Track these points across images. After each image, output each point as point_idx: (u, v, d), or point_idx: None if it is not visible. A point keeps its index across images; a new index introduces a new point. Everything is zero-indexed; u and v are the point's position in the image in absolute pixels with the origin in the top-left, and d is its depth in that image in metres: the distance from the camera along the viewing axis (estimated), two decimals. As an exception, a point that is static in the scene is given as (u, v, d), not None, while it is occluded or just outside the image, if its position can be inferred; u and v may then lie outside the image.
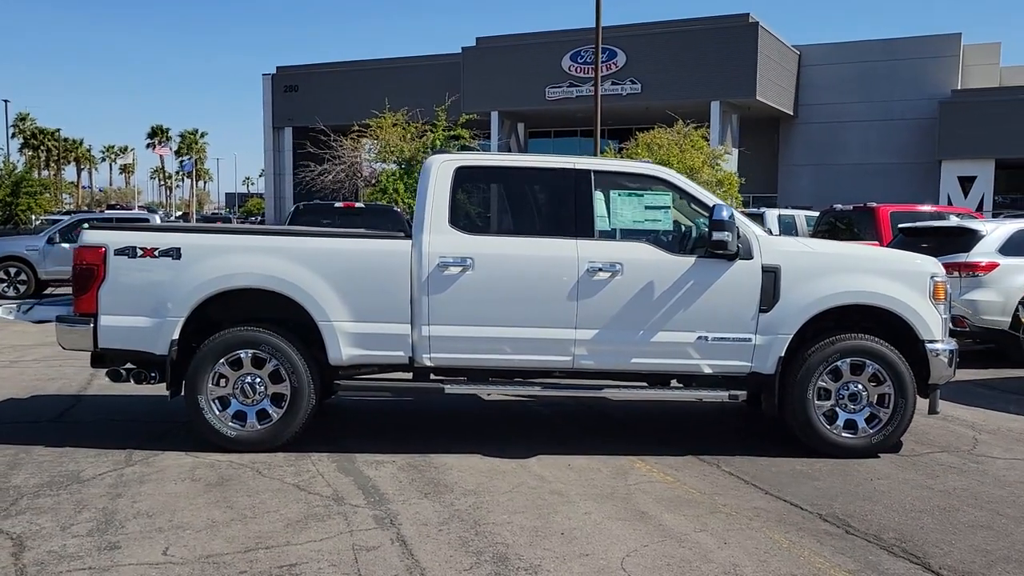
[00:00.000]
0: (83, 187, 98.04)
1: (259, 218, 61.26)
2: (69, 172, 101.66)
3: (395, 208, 13.36)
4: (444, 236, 6.08)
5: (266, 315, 6.21)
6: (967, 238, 10.49)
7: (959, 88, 35.72)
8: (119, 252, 6.01)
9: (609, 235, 6.27)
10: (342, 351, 6.06)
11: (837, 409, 6.18)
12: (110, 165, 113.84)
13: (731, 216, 5.93)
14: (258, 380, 6.08)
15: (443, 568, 4.10)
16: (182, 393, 6.16)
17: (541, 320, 6.09)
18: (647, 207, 6.32)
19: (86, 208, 60.95)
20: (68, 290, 7.74)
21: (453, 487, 5.37)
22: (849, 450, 6.14)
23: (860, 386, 6.16)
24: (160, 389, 6.39)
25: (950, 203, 32.29)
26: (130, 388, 8.13)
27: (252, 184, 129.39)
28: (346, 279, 6.04)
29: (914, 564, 4.24)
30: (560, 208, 6.22)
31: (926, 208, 14.79)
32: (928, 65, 36.01)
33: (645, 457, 6.11)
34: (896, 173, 34.99)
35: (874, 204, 13.76)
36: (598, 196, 6.26)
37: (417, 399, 7.83)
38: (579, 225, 6.16)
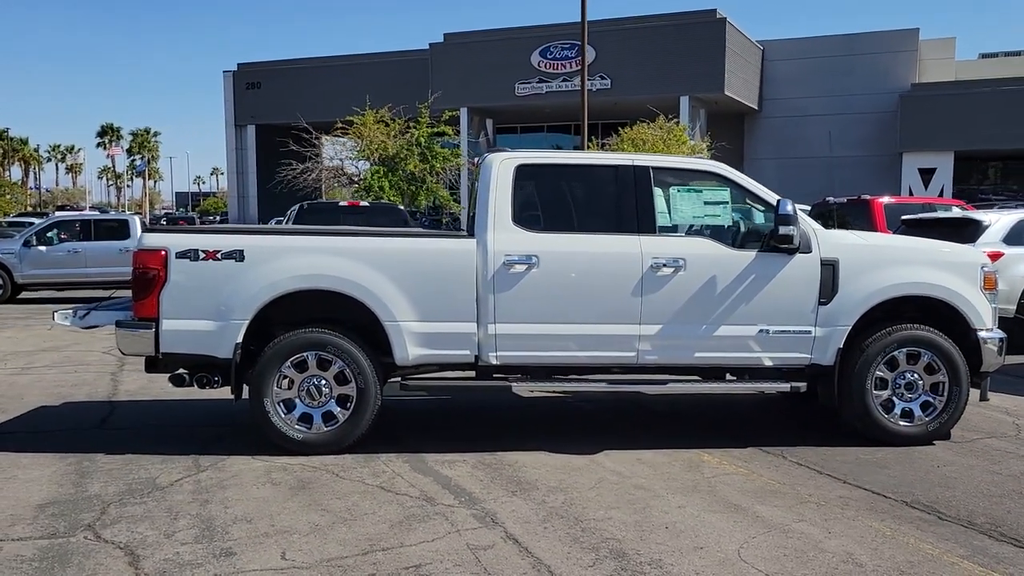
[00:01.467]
0: (30, 188, 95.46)
1: (218, 218, 60.36)
2: (14, 172, 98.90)
3: (399, 207, 13.28)
4: (508, 234, 6.09)
5: (325, 316, 6.16)
6: (971, 229, 10.76)
7: (918, 82, 36.58)
8: (180, 255, 5.90)
9: (669, 231, 6.32)
10: (408, 351, 6.03)
11: (894, 398, 6.32)
12: (56, 165, 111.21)
13: (795, 211, 6.04)
14: (323, 382, 6.02)
15: (567, 565, 4.12)
16: (243, 397, 6.08)
17: (606, 316, 6.13)
18: (706, 202, 6.39)
19: (54, 209, 59.26)
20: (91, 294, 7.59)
21: (537, 484, 5.38)
22: (906, 438, 6.29)
23: (916, 375, 6.31)
24: (192, 393, 6.42)
25: (911, 194, 33.12)
26: (162, 393, 8.06)
27: (204, 183, 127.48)
28: (412, 279, 6.02)
29: (1018, 548, 4.37)
30: (621, 204, 6.25)
31: (917, 200, 15.12)
32: (887, 60, 36.85)
33: (710, 450, 6.19)
34: (859, 166, 35.67)
35: (868, 196, 14.04)
36: (657, 192, 6.32)
37: (455, 397, 7.83)
38: (641, 221, 6.21)
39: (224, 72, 44.35)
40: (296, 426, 6.00)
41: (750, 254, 6.20)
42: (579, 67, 34.82)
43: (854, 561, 4.16)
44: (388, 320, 5.99)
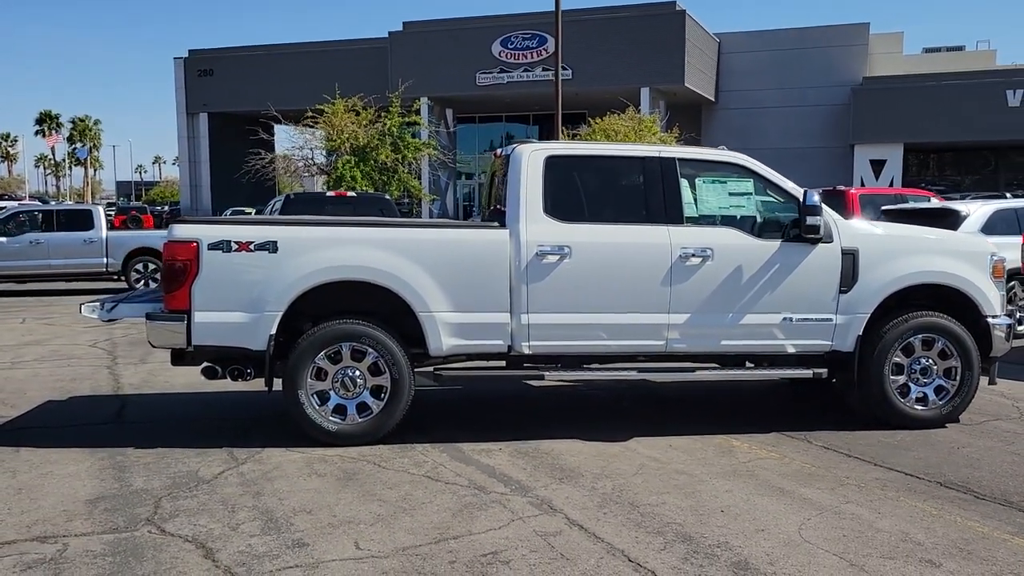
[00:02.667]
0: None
1: (167, 208, 59.01)
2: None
3: (387, 197, 13.22)
4: (541, 225, 6.14)
5: (356, 308, 6.14)
6: (951, 219, 11.10)
7: (869, 76, 37.43)
8: (213, 247, 5.84)
9: (696, 221, 6.44)
10: (443, 342, 6.06)
11: (909, 383, 6.54)
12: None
13: (821, 202, 6.20)
14: (357, 373, 6.02)
15: (639, 548, 4.21)
16: (274, 389, 6.05)
17: (636, 306, 6.23)
18: (731, 193, 6.53)
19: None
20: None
21: (581, 471, 5.46)
22: (921, 422, 6.51)
23: (930, 361, 6.54)
24: (200, 386, 6.42)
25: (863, 184, 33.96)
26: (167, 387, 7.99)
27: (145, 172, 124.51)
28: (445, 269, 6.04)
29: (1059, 523, 4.59)
30: (650, 195, 6.34)
31: (890, 191, 15.55)
32: (839, 53, 37.59)
33: (736, 435, 6.34)
34: (813, 157, 36.38)
35: (843, 187, 14.40)
36: (684, 183, 6.43)
37: (477, 386, 7.85)
38: (669, 212, 6.31)
39: (175, 59, 43.39)
40: (331, 417, 5.99)
41: (774, 244, 6.35)
42: (540, 57, 35.02)
43: (912, 540, 4.32)
44: (423, 311, 6.01)
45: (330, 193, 13.66)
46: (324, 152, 21.22)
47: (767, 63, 37.99)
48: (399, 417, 6.06)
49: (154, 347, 6.10)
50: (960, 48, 53.99)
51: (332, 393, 6.02)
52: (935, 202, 12.55)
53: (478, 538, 4.34)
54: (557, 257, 6.10)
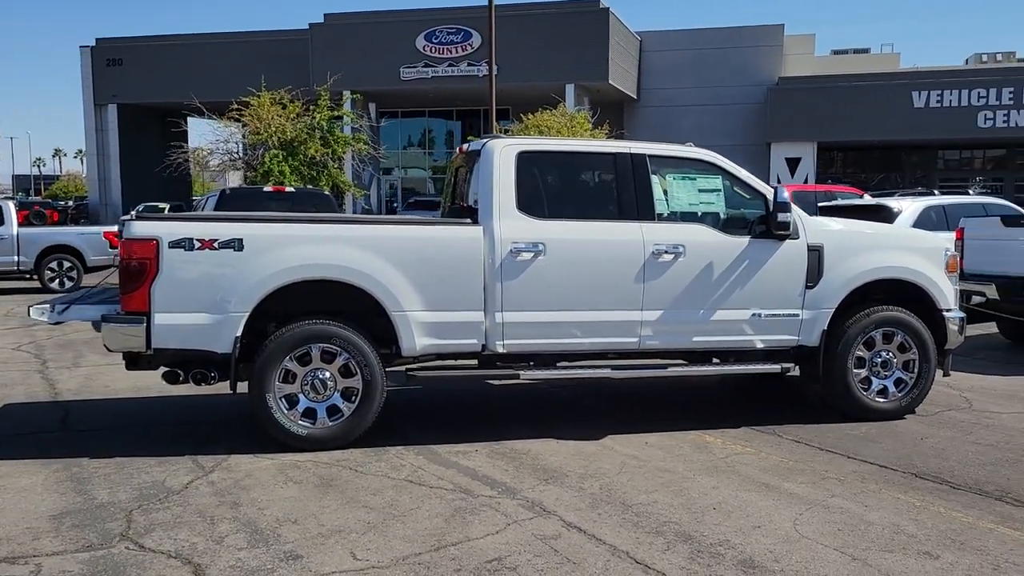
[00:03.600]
0: None
1: (71, 203, 56.57)
2: None
3: (325, 192, 12.85)
4: (514, 221, 6.04)
5: (323, 307, 5.93)
6: (884, 215, 11.46)
7: (784, 76, 38.48)
8: (174, 245, 5.55)
9: (667, 218, 6.43)
10: (416, 342, 5.91)
11: (871, 376, 6.68)
12: None
13: (789, 199, 6.28)
14: (328, 375, 5.81)
15: (643, 550, 4.16)
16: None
17: (610, 303, 6.19)
18: (700, 190, 6.55)
19: None
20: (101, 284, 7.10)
21: (564, 472, 5.39)
22: (882, 413, 6.67)
23: (890, 354, 6.70)
24: (144, 391, 6.18)
25: (779, 182, 34.91)
26: (108, 392, 7.63)
27: (44, 165, 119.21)
28: (418, 267, 5.88)
29: (1036, 511, 4.74)
30: (621, 192, 6.31)
31: (820, 188, 15.96)
32: (756, 54, 38.54)
33: (707, 431, 6.36)
34: (731, 155, 36.24)
35: (775, 185, 14.69)
36: (654, 179, 6.42)
37: (430, 386, 7.67)
38: (641, 208, 6.29)
39: (81, 47, 41.54)
40: (300, 421, 5.78)
41: (743, 240, 6.40)
42: (465, 52, 34.83)
43: (905, 532, 4.39)
44: (396, 310, 5.84)
45: (268, 188, 13.25)
46: (244, 146, 20.54)
47: (687, 62, 38.69)
48: (371, 420, 5.88)
49: (110, 351, 5.76)
50: (866, 51, 56.17)
51: (301, 396, 5.80)
52: (867, 199, 12.94)
53: (478, 544, 4.22)
54: (531, 254, 6.01)
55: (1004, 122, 35.78)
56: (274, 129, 19.45)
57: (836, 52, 54.40)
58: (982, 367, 8.95)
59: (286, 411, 5.75)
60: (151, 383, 7.96)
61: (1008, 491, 5.05)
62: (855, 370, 6.62)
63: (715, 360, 6.79)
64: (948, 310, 6.82)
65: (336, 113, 20.20)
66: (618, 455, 5.76)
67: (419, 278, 5.88)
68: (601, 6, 33.83)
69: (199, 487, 5.06)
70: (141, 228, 5.57)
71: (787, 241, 6.42)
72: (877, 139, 37.24)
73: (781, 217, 6.21)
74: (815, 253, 6.48)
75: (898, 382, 6.74)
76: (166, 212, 39.18)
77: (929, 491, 5.05)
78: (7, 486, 5.05)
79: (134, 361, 5.91)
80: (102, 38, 41.92)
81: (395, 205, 41.08)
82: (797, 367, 6.70)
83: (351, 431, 5.84)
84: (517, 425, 6.50)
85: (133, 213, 6.25)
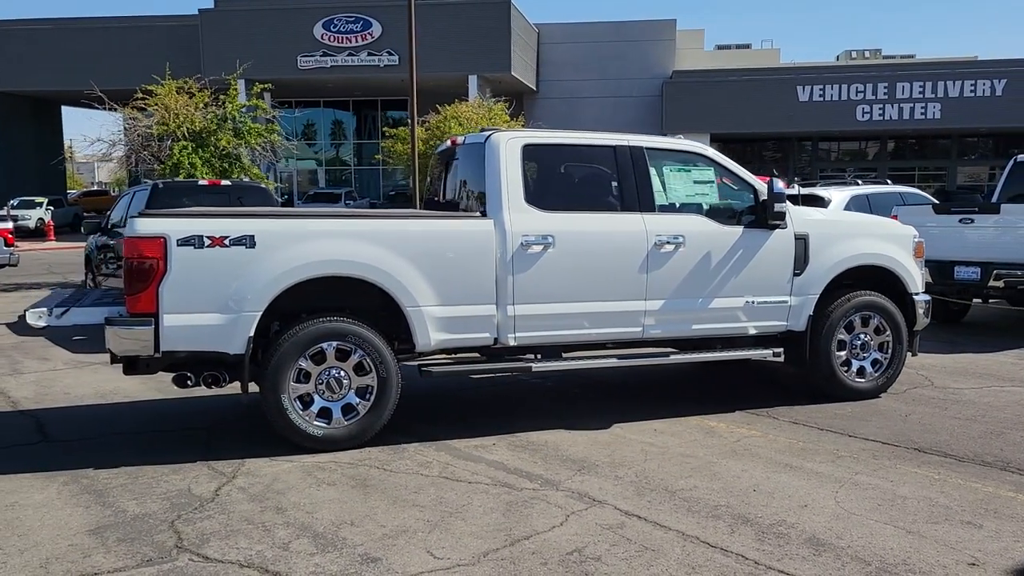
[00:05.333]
0: None
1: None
2: None
3: (262, 185, 12.42)
4: (524, 214, 6.05)
5: (332, 304, 5.80)
6: (818, 204, 12.00)
7: (678, 70, 39.60)
8: (183, 242, 5.30)
9: (665, 209, 6.56)
10: (431, 337, 5.84)
11: (851, 358, 7.02)
12: None
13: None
14: (343, 374, 5.68)
15: (710, 533, 4.26)
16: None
17: (615, 293, 6.29)
18: (695, 181, 6.71)
19: None
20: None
21: (591, 461, 5.45)
22: (861, 393, 7.02)
23: (868, 336, 7.05)
24: (110, 395, 5.82)
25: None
26: (74, 398, 7.23)
27: None
28: (432, 262, 5.81)
29: (1041, 478, 5.11)
30: (624, 184, 6.40)
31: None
32: (651, 47, 39.56)
33: (707, 416, 6.55)
34: (629, 146, 37.86)
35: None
36: (652, 172, 6.54)
37: (409, 383, 7.61)
38: (642, 200, 6.40)
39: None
40: (316, 422, 5.63)
41: (737, 230, 6.60)
42: (365, 42, 34.28)
43: (939, 504, 4.65)
44: (411, 306, 5.76)
45: (203, 182, 12.71)
46: (145, 137, 19.53)
47: (585, 55, 39.32)
48: (387, 418, 5.79)
49: (115, 355, 5.44)
50: (747, 46, 58.28)
51: (316, 396, 5.65)
52: (796, 187, 13.50)
53: (548, 537, 4.23)
54: (541, 247, 6.03)
55: (880, 115, 37.94)
56: (182, 119, 18.61)
57: (720, 47, 56.28)
58: (924, 347, 9.48)
59: (301, 412, 5.59)
60: (114, 388, 7.65)
61: (1009, 462, 5.41)
62: (837, 352, 6.95)
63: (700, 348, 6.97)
64: (917, 294, 7.23)
65: (249, 103, 19.49)
66: (635, 443, 5.87)
67: (432, 273, 5.81)
68: (502, -2, 33.93)
69: (231, 493, 4.87)
70: (148, 226, 5.29)
71: (776, 231, 6.66)
72: (766, 131, 38.85)
73: (778, 207, 6.44)
74: (801, 242, 6.75)
75: (874, 363, 7.10)
76: (45, 206, 37.19)
77: (939, 465, 5.36)
78: (21, 502, 4.72)
79: (132, 365, 5.62)
80: (-35, 20, 39.15)
81: (286, 197, 40.06)
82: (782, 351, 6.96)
83: (367, 430, 5.73)
84: (522, 417, 6.53)
85: (7, 208, 5.92)
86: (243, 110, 19.63)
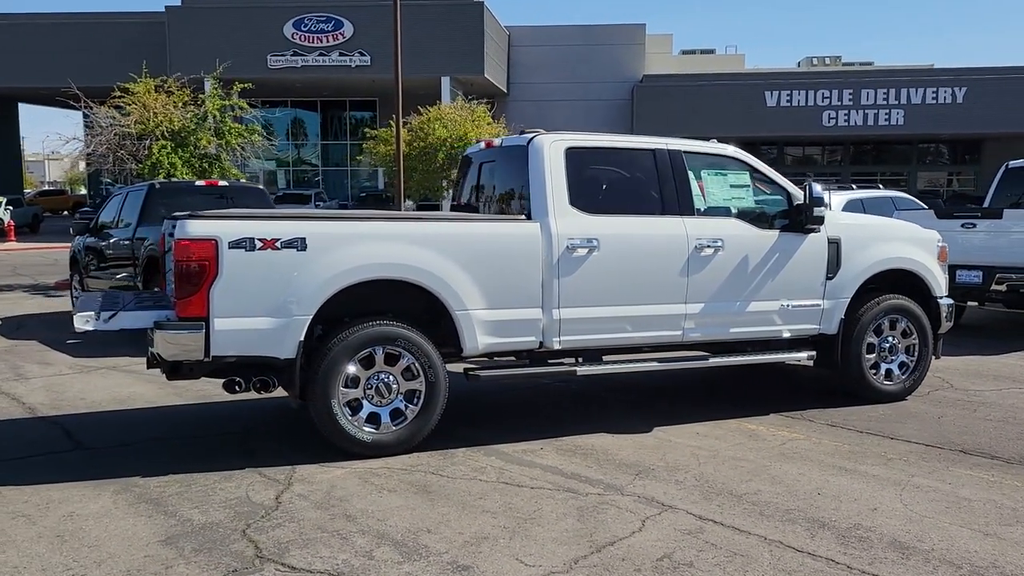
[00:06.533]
0: None
1: None
2: None
3: (259, 186, 12.18)
4: (568, 217, 6.01)
5: (378, 308, 5.70)
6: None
7: (648, 74, 39.88)
8: (234, 245, 5.17)
9: (704, 213, 6.57)
10: (478, 340, 5.78)
11: (879, 361, 7.10)
12: None
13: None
14: (391, 378, 5.59)
15: (793, 537, 4.25)
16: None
17: (657, 297, 6.28)
18: (731, 185, 6.73)
19: None
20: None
21: (647, 465, 5.43)
22: (890, 395, 7.10)
23: (895, 339, 7.14)
24: (128, 402, 5.65)
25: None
26: (93, 404, 7.04)
27: None
28: (479, 265, 5.75)
29: (1092, 479, 5.20)
30: (664, 187, 6.39)
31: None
32: (621, 52, 39.79)
33: (744, 419, 6.57)
34: (599, 149, 38.00)
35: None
36: (691, 175, 6.55)
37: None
38: (682, 203, 6.41)
39: None
40: (365, 427, 5.53)
41: (773, 233, 6.64)
42: (337, 41, 33.98)
43: (1005, 506, 4.71)
44: (459, 309, 5.69)
45: (200, 183, 12.45)
46: (121, 136, 19.12)
47: (555, 58, 39.43)
48: (435, 423, 5.71)
49: (163, 359, 5.28)
50: (712, 51, 58.87)
51: (364, 401, 5.55)
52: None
53: (632, 543, 4.20)
54: (586, 250, 6.01)
55: (845, 121, 38.61)
56: (161, 118, 18.26)
57: (685, 52, 56.79)
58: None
59: (350, 417, 5.49)
60: (129, 393, 7.50)
61: (1053, 462, 5.51)
62: (867, 355, 7.02)
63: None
64: (941, 297, 7.34)
65: (229, 102, 19.18)
66: (682, 447, 5.86)
67: (479, 276, 5.75)
68: (475, 0, 33.86)
69: (292, 501, 4.75)
70: (199, 228, 5.15)
71: (810, 235, 6.71)
72: (735, 135, 39.12)
73: (817, 211, 6.49)
74: (834, 245, 6.80)
75: (901, 365, 7.19)
76: (4, 206, 36.18)
77: (988, 467, 5.43)
78: (78, 512, 4.56)
79: (176, 370, 5.47)
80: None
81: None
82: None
83: (415, 435, 5.65)
84: (560, 421, 6.49)
85: None
86: (222, 109, 19.29)
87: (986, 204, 12.18)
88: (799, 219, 6.62)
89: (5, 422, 6.57)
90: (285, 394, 5.72)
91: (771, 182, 6.83)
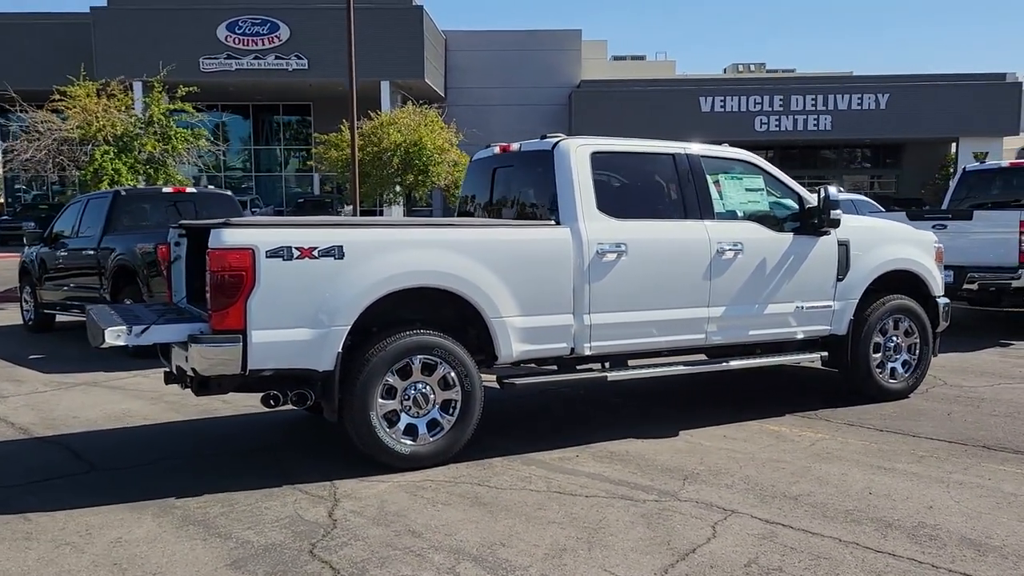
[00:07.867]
0: None
1: None
2: None
3: (227, 193, 11.80)
4: (597, 222, 5.97)
5: (411, 317, 5.56)
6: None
7: (585, 79, 40.22)
8: (272, 254, 4.96)
9: (723, 217, 6.60)
10: (513, 348, 5.68)
11: (884, 360, 7.25)
12: None
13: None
14: (428, 388, 5.46)
15: (867, 539, 4.25)
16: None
17: (682, 301, 6.28)
18: (747, 189, 6.79)
19: None
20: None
21: (689, 470, 5.40)
22: (894, 393, 7.25)
23: (899, 339, 7.30)
24: (124, 418, 5.46)
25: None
26: (88, 422, 6.75)
27: None
28: (514, 271, 5.65)
29: (1118, 470, 5.38)
30: (685, 191, 6.41)
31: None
32: (557, 57, 40.05)
33: (765, 420, 6.62)
34: (537, 154, 38.14)
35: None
36: (710, 179, 6.58)
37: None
38: (702, 207, 6.43)
39: None
40: (403, 439, 5.38)
41: (788, 236, 6.71)
42: (272, 44, 33.32)
43: (1049, 500, 4.85)
44: (494, 316, 5.58)
45: (167, 189, 11.99)
46: (58, 141, 18.36)
47: (493, 62, 39.45)
48: (471, 433, 5.59)
49: (199, 374, 5.03)
50: (642, 57, 59.72)
51: (402, 412, 5.40)
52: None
53: (713, 549, 4.16)
54: (615, 255, 5.97)
55: (776, 126, 39.61)
56: (103, 123, 17.61)
57: (616, 58, 57.49)
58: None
59: (388, 429, 5.34)
60: (123, 409, 7.25)
61: (1076, 456, 5.70)
62: (873, 354, 7.16)
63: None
64: (939, 297, 7.54)
65: (175, 106, 18.61)
66: (715, 450, 5.86)
67: (513, 282, 5.66)
68: (414, 3, 33.64)
69: (348, 518, 4.58)
70: (235, 236, 4.92)
71: (823, 237, 6.81)
72: (672, 140, 39.74)
73: (834, 214, 6.59)
74: (844, 247, 6.92)
75: (904, 364, 7.36)
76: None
77: (1017, 461, 5.58)
78: (125, 538, 4.30)
79: (204, 384, 5.22)
80: None
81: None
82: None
83: (452, 446, 5.52)
84: (584, 426, 6.44)
85: None
86: (167, 113, 18.73)
87: (944, 206, 12.61)
88: (812, 221, 6.71)
89: (14, 441, 6.20)
90: (292, 407, 5.50)
91: (782, 185, 6.91)
